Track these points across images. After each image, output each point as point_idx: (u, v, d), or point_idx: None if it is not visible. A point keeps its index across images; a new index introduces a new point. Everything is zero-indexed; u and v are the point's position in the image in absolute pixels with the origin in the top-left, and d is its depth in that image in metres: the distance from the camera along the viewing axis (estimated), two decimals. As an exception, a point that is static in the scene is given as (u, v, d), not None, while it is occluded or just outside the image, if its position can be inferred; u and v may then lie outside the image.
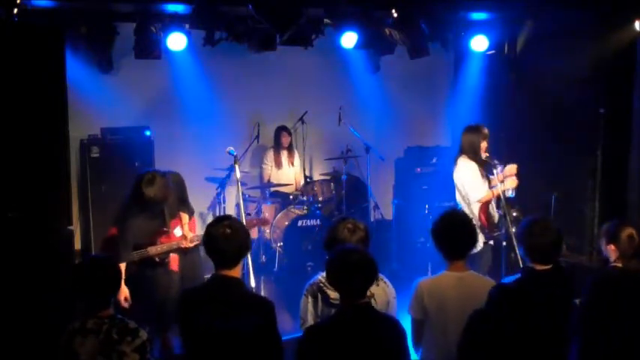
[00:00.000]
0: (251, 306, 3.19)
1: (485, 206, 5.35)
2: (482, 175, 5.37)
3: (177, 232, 5.02)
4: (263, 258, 7.42)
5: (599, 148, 7.15)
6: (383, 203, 8.34)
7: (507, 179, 5.36)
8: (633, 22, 6.50)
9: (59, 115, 4.99)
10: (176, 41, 6.54)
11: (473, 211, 5.33)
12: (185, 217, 5.09)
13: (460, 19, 7.30)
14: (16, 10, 5.38)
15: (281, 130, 7.82)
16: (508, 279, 3.66)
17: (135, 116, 7.45)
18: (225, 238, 3.19)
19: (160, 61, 6.79)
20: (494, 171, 5.30)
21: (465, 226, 3.61)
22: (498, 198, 5.34)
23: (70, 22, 6.22)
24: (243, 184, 5.52)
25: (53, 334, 3.13)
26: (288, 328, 4.16)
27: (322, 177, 8.06)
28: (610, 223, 4.01)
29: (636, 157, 6.80)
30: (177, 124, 7.75)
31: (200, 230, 4.86)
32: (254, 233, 7.40)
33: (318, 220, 7.19)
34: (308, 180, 8.03)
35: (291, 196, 7.55)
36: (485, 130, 5.47)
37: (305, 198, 7.45)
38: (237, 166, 5.18)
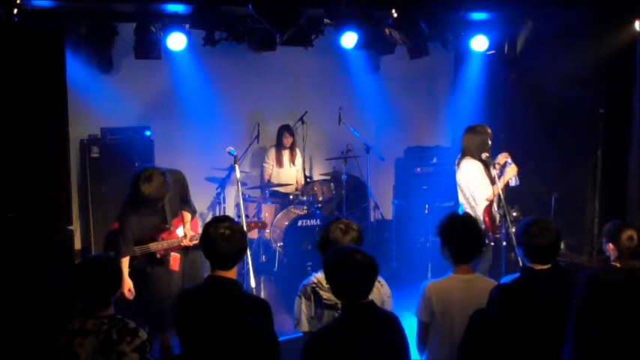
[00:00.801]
0: (248, 307, 3.19)
1: (489, 207, 5.36)
2: (486, 174, 5.38)
3: (180, 232, 5.03)
4: (263, 258, 7.42)
5: (599, 148, 7.16)
6: (383, 203, 8.34)
7: (507, 169, 5.38)
8: (633, 22, 6.51)
9: (59, 115, 5.00)
10: (176, 41, 6.53)
11: (477, 212, 5.34)
12: (187, 215, 5.09)
13: (460, 19, 7.29)
14: (16, 11, 5.39)
15: (283, 130, 7.81)
16: (507, 278, 3.66)
17: (135, 116, 7.45)
18: (223, 240, 3.19)
19: (160, 61, 6.78)
20: (493, 170, 5.32)
21: (475, 232, 3.61)
22: (499, 197, 5.35)
23: (70, 22, 6.22)
24: (243, 184, 5.52)
25: (53, 334, 3.13)
26: (288, 329, 4.15)
27: (322, 177, 8.06)
28: (612, 222, 4.09)
29: (636, 157, 6.81)
30: (177, 124, 7.75)
31: (201, 230, 4.88)
32: (254, 234, 7.41)
33: (318, 220, 7.19)
34: (308, 180, 8.03)
35: (291, 196, 7.55)
36: (489, 130, 5.50)
37: (305, 198, 7.45)
38: (237, 166, 5.19)
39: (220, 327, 3.05)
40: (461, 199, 5.51)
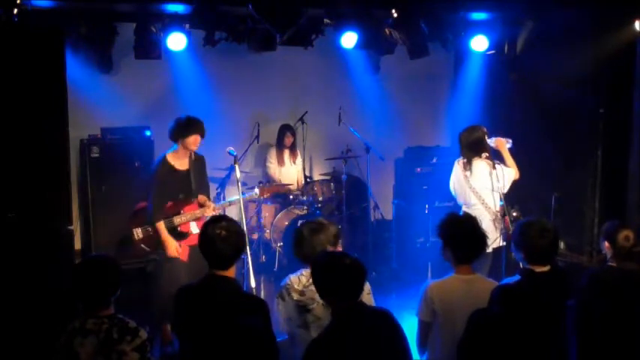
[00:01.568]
0: (246, 306, 3.20)
1: (502, 208, 5.37)
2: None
3: (194, 229, 5.16)
4: (263, 258, 7.42)
5: (599, 148, 7.16)
6: (383, 203, 8.34)
7: (493, 144, 5.53)
8: (633, 22, 6.51)
9: (59, 115, 5.01)
10: (176, 41, 6.53)
11: (490, 213, 5.36)
12: (203, 198, 5.32)
13: (460, 19, 7.29)
14: (16, 11, 5.39)
15: (285, 130, 7.81)
16: (507, 280, 3.66)
17: (135, 116, 7.44)
18: (222, 240, 3.19)
19: (160, 61, 6.79)
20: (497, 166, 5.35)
21: (476, 233, 3.61)
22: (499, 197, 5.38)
23: (70, 22, 6.22)
24: (243, 183, 5.53)
25: (53, 334, 3.13)
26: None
27: (322, 177, 8.06)
28: (610, 222, 4.11)
29: (636, 157, 6.81)
30: (177, 124, 7.73)
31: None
32: (253, 234, 7.41)
33: (319, 220, 7.17)
34: (308, 180, 8.03)
35: (291, 196, 7.55)
36: (485, 129, 5.54)
37: (305, 198, 7.45)
38: (237, 166, 5.21)
39: (218, 326, 3.06)
40: (473, 201, 5.47)
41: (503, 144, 5.56)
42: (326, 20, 6.88)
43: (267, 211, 7.54)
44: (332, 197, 7.73)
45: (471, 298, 3.39)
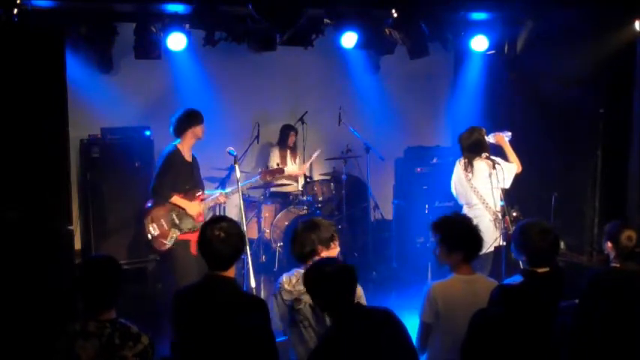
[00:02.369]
0: (245, 306, 3.19)
1: (502, 208, 5.37)
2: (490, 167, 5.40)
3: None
4: (263, 258, 7.42)
5: (599, 148, 7.16)
6: (383, 203, 8.33)
7: (493, 140, 5.57)
8: (633, 22, 6.51)
9: (59, 115, 5.01)
10: (176, 41, 6.53)
11: (494, 211, 5.37)
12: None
13: (460, 19, 7.29)
14: (16, 11, 5.39)
15: (287, 130, 7.82)
16: (507, 280, 3.66)
17: (135, 116, 7.44)
18: (220, 241, 3.18)
19: (160, 61, 6.79)
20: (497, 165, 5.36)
21: (474, 232, 3.61)
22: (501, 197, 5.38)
23: (70, 22, 6.22)
24: (243, 183, 5.52)
25: (53, 335, 3.12)
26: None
27: (322, 177, 8.06)
28: (613, 222, 4.11)
29: (636, 157, 6.81)
30: (177, 124, 7.74)
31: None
32: (254, 234, 7.41)
33: (318, 220, 7.17)
34: (308, 180, 8.02)
35: (291, 196, 7.55)
36: (484, 130, 5.55)
37: (305, 198, 7.45)
38: (237, 166, 5.21)
39: (218, 326, 3.06)
40: (474, 201, 5.47)
41: (503, 138, 5.61)
42: (326, 20, 6.88)
43: (267, 211, 7.54)
44: (332, 197, 7.73)
45: (472, 298, 3.39)
